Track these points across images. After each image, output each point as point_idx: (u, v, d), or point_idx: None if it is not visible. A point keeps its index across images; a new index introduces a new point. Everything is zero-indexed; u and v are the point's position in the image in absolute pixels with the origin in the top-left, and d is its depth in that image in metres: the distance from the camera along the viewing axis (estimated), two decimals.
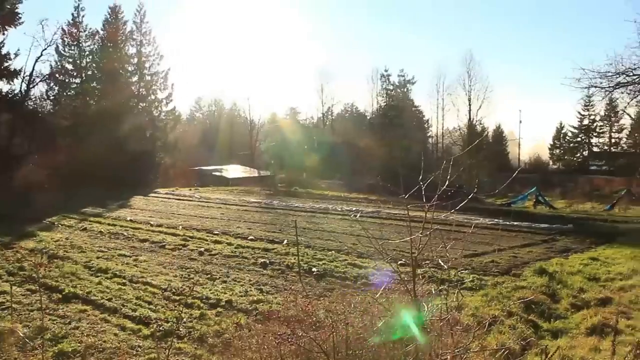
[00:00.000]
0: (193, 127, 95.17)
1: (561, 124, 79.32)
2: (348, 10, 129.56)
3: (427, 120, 75.94)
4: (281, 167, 69.33)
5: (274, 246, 21.16)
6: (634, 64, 20.23)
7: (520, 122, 79.39)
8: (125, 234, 23.87)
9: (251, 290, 14.90)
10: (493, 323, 11.23)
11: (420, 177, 5.27)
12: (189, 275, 16.54)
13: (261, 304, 13.55)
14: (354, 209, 35.26)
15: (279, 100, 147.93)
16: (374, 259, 17.47)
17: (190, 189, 51.34)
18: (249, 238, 23.03)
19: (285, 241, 21.97)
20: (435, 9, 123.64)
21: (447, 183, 5.03)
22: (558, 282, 16.12)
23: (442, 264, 5.77)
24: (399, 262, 14.87)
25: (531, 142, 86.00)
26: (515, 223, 29.49)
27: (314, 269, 17.19)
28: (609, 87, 20.90)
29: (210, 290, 14.85)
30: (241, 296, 14.31)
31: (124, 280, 15.88)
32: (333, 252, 20.00)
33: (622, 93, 22.11)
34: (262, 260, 18.39)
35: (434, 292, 6.63)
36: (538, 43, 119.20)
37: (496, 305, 13.09)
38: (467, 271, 16.96)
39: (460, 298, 6.41)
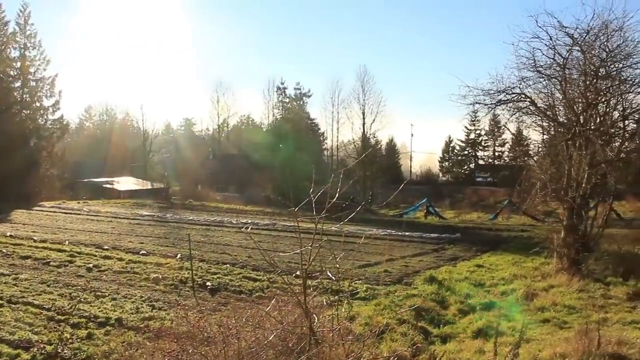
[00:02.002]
0: (82, 136, 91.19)
1: (450, 137, 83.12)
2: (244, 21, 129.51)
3: (323, 133, 77.06)
4: (175, 179, 67.79)
5: (167, 261, 20.55)
6: (513, 83, 21.55)
7: (412, 135, 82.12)
8: (4, 250, 22.20)
9: (143, 307, 14.35)
10: (386, 331, 11.46)
11: (312, 189, 5.29)
12: (75, 294, 15.65)
13: (153, 320, 13.06)
14: (249, 221, 35.03)
15: (174, 111, 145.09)
16: (269, 271, 17.40)
17: (78, 202, 48.91)
18: (140, 253, 22.25)
19: (178, 255, 21.42)
20: (332, 24, 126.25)
21: (337, 195, 5.07)
22: (447, 289, 16.77)
23: (334, 275, 5.78)
24: (295, 274, 14.96)
25: (423, 155, 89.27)
26: (407, 233, 30.45)
27: (208, 283, 16.85)
28: (492, 104, 22.10)
29: (98, 308, 14.13)
30: (132, 313, 13.74)
31: (0, 302, 14.74)
32: (228, 265, 19.70)
33: (503, 110, 23.45)
34: (155, 275, 17.80)
35: (325, 303, 6.66)
36: (429, 61, 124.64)
37: (388, 314, 13.35)
38: (360, 281, 17.27)
39: (350, 308, 6.47)
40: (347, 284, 16.35)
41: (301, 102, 77.46)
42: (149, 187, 66.23)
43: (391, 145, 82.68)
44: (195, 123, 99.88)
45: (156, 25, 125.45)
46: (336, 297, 7.00)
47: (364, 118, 62.47)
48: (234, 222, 35.18)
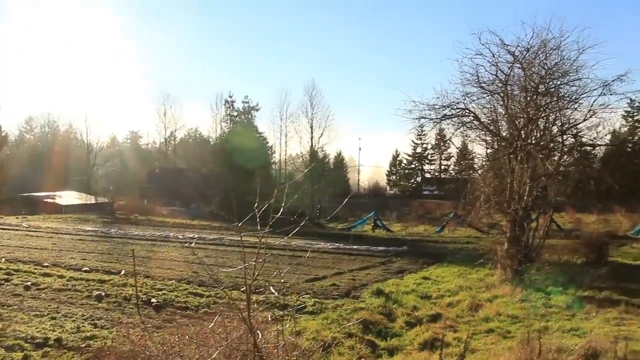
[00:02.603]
0: (22, 149, 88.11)
1: (397, 151, 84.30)
2: (192, 34, 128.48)
3: (271, 147, 76.87)
4: (120, 193, 66.31)
5: (110, 277, 19.99)
6: (457, 99, 22.05)
7: (360, 149, 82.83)
8: None
9: (84, 326, 13.86)
10: (333, 345, 11.44)
11: (256, 204, 5.25)
12: (11, 314, 15.01)
13: (94, 340, 12.62)
14: (195, 236, 34.55)
15: (119, 124, 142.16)
16: (216, 287, 17.15)
17: (17, 217, 47.23)
18: (83, 269, 21.58)
19: (123, 271, 20.89)
20: (280, 38, 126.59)
21: (282, 210, 5.04)
22: (394, 301, 16.89)
23: (280, 289, 5.73)
24: (242, 289, 14.80)
25: (370, 169, 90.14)
26: (355, 246, 30.60)
27: (153, 300, 16.45)
28: (437, 118, 22.53)
29: (36, 328, 13.56)
30: (72, 333, 13.25)
31: None
32: (174, 281, 19.31)
33: (448, 124, 23.93)
34: (97, 292, 17.26)
35: (270, 318, 6.59)
36: (377, 76, 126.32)
37: (336, 328, 13.33)
38: (308, 295, 17.21)
39: (294, 323, 6.43)
40: (294, 298, 16.34)
41: (249, 116, 77.24)
42: (93, 201, 64.55)
43: (339, 159, 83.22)
44: (141, 136, 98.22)
45: (100, 36, 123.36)
46: (283, 312, 6.93)
47: (312, 132, 62.69)
48: (181, 237, 34.61)
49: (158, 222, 47.17)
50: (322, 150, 67.12)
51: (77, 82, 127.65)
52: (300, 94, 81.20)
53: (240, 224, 5.32)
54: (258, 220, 5.23)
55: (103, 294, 17.12)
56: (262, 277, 6.33)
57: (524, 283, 18.89)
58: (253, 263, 4.90)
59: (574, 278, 18.90)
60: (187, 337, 6.83)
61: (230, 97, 75.62)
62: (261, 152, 74.83)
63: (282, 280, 5.56)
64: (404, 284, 20.10)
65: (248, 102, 76.63)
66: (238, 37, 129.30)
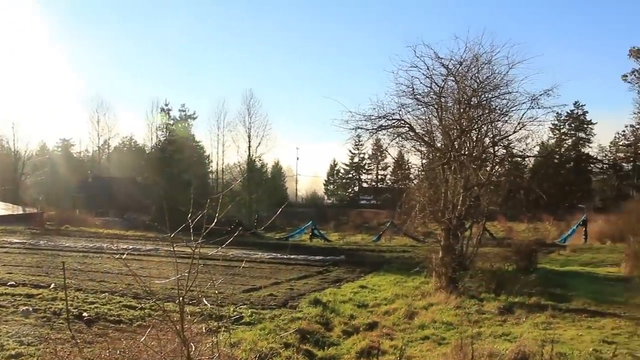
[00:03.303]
0: None
1: (334, 161, 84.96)
2: (127, 41, 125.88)
3: (208, 156, 76.00)
4: (51, 203, 63.99)
5: (39, 291, 19.17)
6: (393, 110, 22.39)
7: (298, 159, 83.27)
8: None
9: (9, 343, 13.20)
10: (270, 356, 11.37)
11: (190, 214, 5.17)
12: None
13: (20, 358, 12.09)
14: (130, 247, 33.68)
15: (50, 131, 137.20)
16: (147, 299, 16.74)
17: None
18: (8, 284, 20.60)
19: (52, 285, 20.08)
20: (218, 46, 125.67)
21: (216, 219, 4.98)
22: (331, 310, 16.95)
23: (216, 300, 5.65)
24: (177, 301, 14.50)
25: (308, 178, 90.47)
26: (293, 256, 30.56)
27: (84, 314, 15.89)
28: (373, 129, 22.79)
29: None
30: None
31: None
32: (107, 294, 18.73)
33: (384, 135, 24.26)
34: (24, 307, 16.55)
35: (204, 330, 6.49)
36: (315, 86, 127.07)
37: (273, 338, 13.26)
38: (245, 306, 17.05)
39: (229, 334, 6.35)
40: (231, 309, 16.14)
41: (186, 124, 76.03)
42: (21, 212, 61.98)
43: (277, 169, 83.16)
44: (73, 144, 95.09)
45: (28, 39, 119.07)
46: (218, 323, 6.83)
47: (249, 141, 62.37)
48: (114, 248, 33.66)
49: (91, 233, 45.70)
50: (260, 160, 66.85)
51: (2, 88, 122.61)
52: (238, 102, 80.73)
53: (172, 235, 5.22)
54: (192, 230, 5.15)
55: (30, 309, 16.38)
56: (198, 288, 6.23)
57: (458, 290, 19.34)
58: (186, 274, 4.80)
59: (505, 285, 19.47)
60: (118, 351, 6.63)
61: (167, 105, 74.20)
62: (198, 161, 73.90)
63: (216, 292, 5.48)
64: (341, 293, 20.20)
65: (185, 111, 75.47)
66: (174, 44, 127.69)
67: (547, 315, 16.24)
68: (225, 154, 69.65)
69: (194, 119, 76.05)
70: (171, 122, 74.58)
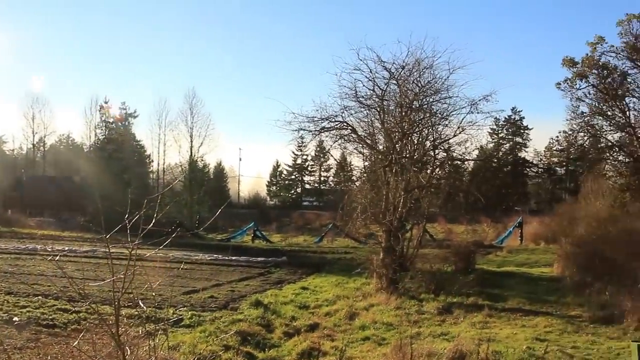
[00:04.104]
0: None
1: (277, 162, 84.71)
2: (65, 35, 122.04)
3: (149, 156, 74.31)
4: None
5: None
6: (336, 112, 22.52)
7: (241, 159, 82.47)
8: None
9: None
10: (210, 358, 11.23)
11: (127, 214, 5.04)
12: None
13: None
14: (66, 248, 32.65)
15: None
16: (79, 301, 16.23)
17: None
18: None
19: None
20: (160, 44, 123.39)
21: (154, 220, 4.88)
22: (272, 312, 16.91)
23: (155, 303, 5.53)
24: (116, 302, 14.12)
25: (251, 179, 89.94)
26: (234, 258, 30.31)
27: (15, 319, 15.29)
28: (316, 130, 22.89)
29: None
30: None
31: None
32: (40, 297, 18.08)
33: (327, 136, 24.37)
34: None
35: (141, 333, 6.33)
36: (258, 86, 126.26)
37: (214, 341, 13.10)
38: (185, 308, 16.80)
39: (167, 337, 6.22)
40: (170, 311, 15.87)
41: (127, 123, 74.27)
42: None
43: (219, 169, 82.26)
44: (6, 141, 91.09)
45: None
46: (156, 326, 6.68)
47: (191, 141, 61.28)
48: (49, 249, 32.53)
49: (24, 234, 43.98)
50: (202, 160, 65.81)
51: None
52: (180, 101, 79.38)
53: (108, 236, 5.08)
54: (129, 231, 5.03)
55: None
56: (136, 290, 6.08)
57: (398, 291, 19.61)
58: (122, 276, 4.68)
59: (444, 285, 19.86)
60: (49, 357, 6.39)
61: (106, 102, 72.27)
62: (138, 160, 72.36)
63: (153, 294, 5.37)
64: (282, 295, 20.17)
65: (125, 109, 73.68)
66: (114, 41, 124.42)
67: (484, 315, 16.66)
68: (166, 153, 68.30)
69: (135, 117, 74.35)
70: (111, 120, 72.78)
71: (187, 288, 20.45)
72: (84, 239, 39.80)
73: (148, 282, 5.76)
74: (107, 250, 4.76)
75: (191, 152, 61.57)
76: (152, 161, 73.89)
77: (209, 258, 30.38)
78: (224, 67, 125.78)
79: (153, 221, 4.99)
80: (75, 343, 5.88)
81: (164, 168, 71.22)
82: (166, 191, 8.54)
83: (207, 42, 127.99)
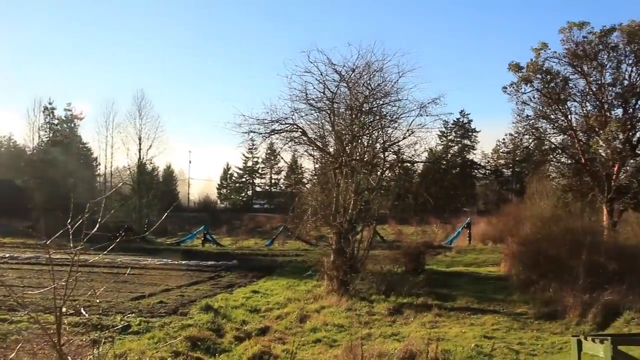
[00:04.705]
0: None
1: (228, 165, 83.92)
2: (5, 34, 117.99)
3: (96, 158, 72.46)
4: None
5: None
6: (286, 114, 22.48)
7: (190, 162, 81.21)
8: None
9: None
10: None
11: (69, 219, 4.88)
12: None
13: None
14: (7, 255, 31.57)
15: None
16: (24, 310, 15.63)
17: None
18: None
19: None
20: (108, 44, 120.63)
21: (98, 224, 4.73)
22: (223, 316, 16.75)
23: (101, 310, 5.36)
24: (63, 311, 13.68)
25: (201, 182, 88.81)
26: (184, 262, 29.94)
27: None
28: (266, 133, 22.79)
29: None
30: None
31: None
32: None
33: (277, 139, 24.30)
34: None
35: (85, 341, 6.14)
36: (208, 88, 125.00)
37: (163, 347, 12.89)
38: (134, 314, 16.44)
39: (113, 345, 6.05)
40: (118, 318, 15.52)
41: (72, 125, 72.15)
42: None
43: (169, 172, 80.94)
44: None
45: None
46: (102, 333, 6.49)
47: (140, 143, 60.04)
48: None
49: None
50: (151, 163, 64.50)
51: None
52: (129, 103, 77.78)
53: (49, 241, 4.91)
54: (71, 236, 4.86)
55: None
56: (82, 297, 5.90)
57: (349, 293, 19.70)
58: (64, 283, 4.52)
59: (394, 286, 20.05)
60: None
61: (51, 103, 69.83)
62: (85, 164, 70.50)
63: (97, 301, 5.19)
64: (233, 299, 20.01)
65: (71, 110, 71.59)
66: (60, 40, 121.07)
67: (433, 315, 16.91)
68: (114, 156, 66.58)
69: (81, 119, 72.35)
70: (56, 121, 70.67)
71: (136, 294, 20.05)
72: (27, 245, 38.54)
73: (98, 288, 5.58)
74: (48, 256, 4.59)
75: (140, 155, 60.28)
76: (99, 164, 72.05)
77: (158, 262, 29.87)
78: (175, 69, 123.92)
79: (97, 225, 4.84)
80: (13, 355, 5.63)
81: (111, 171, 69.47)
82: (113, 195, 8.33)
83: (156, 43, 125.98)
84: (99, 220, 4.95)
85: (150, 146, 60.36)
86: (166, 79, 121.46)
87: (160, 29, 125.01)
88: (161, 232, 50.12)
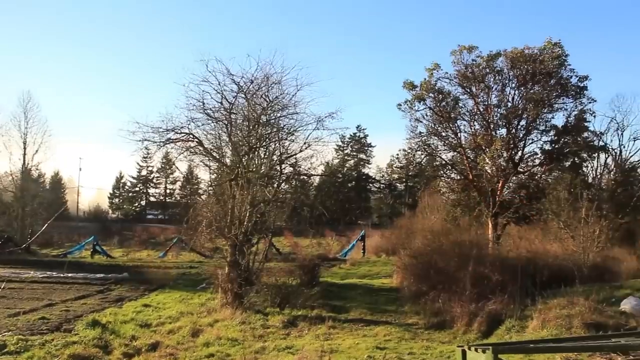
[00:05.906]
0: None
1: (121, 173, 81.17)
2: None
3: None
4: None
5: None
6: (182, 123, 21.97)
7: (81, 169, 77.76)
8: None
9: None
10: None
11: None
12: None
13: None
14: None
15: None
16: None
17: None
18: None
19: None
20: None
21: None
22: (111, 332, 16.06)
23: None
24: None
25: (92, 191, 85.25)
26: (70, 275, 28.53)
27: None
28: (161, 142, 22.14)
29: None
30: None
31: None
32: None
33: (173, 148, 23.72)
34: None
35: None
36: (100, 94, 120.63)
37: None
38: (10, 332, 15.39)
39: None
40: None
41: None
42: None
43: (57, 179, 77.16)
44: None
45: None
46: None
47: (25, 148, 56.62)
48: None
49: None
50: (37, 169, 61.02)
51: None
52: (13, 105, 73.23)
53: None
54: None
55: None
56: None
57: (244, 306, 19.50)
58: None
59: (289, 298, 20.07)
60: None
61: None
62: None
63: None
64: (122, 313, 19.23)
65: None
66: None
67: (327, 327, 17.04)
68: None
69: None
70: None
71: (14, 309, 18.81)
72: None
73: None
74: None
75: (24, 160, 56.84)
76: None
77: (42, 275, 28.28)
78: (66, 70, 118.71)
79: None
80: None
81: None
82: None
83: (45, 44, 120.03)
84: None
85: (37, 151, 56.88)
86: (56, 81, 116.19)
87: (47, 29, 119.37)
88: (47, 243, 47.63)
